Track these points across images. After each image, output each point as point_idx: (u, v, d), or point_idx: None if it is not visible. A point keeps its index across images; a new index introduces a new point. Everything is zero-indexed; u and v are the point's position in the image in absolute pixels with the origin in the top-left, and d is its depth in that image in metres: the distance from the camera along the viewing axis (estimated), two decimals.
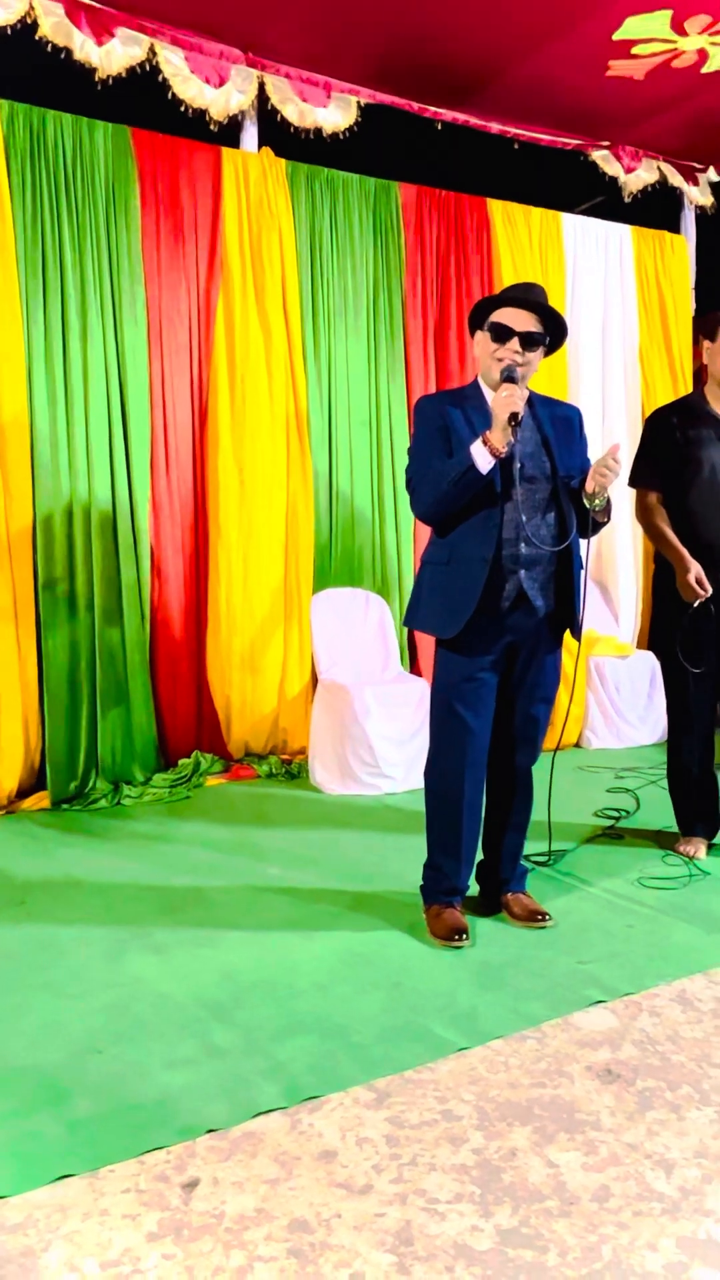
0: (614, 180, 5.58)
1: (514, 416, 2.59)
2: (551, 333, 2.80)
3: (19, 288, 4.09)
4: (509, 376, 2.68)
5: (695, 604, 3.32)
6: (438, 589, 2.82)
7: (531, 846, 3.44)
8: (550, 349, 2.85)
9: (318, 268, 4.80)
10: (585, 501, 2.76)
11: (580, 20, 4.29)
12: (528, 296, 2.77)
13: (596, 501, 2.76)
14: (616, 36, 4.42)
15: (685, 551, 3.34)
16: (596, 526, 2.85)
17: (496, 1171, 1.84)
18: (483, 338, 2.81)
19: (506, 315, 2.75)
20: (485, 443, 2.63)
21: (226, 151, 4.55)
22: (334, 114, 4.71)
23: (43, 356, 4.16)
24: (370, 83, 4.76)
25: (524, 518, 2.74)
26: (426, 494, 2.76)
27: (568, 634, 2.94)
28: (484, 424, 2.72)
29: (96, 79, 4.16)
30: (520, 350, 2.73)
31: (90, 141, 4.23)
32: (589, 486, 2.72)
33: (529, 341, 2.74)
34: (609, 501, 2.81)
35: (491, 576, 2.72)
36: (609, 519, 2.86)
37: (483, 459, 2.63)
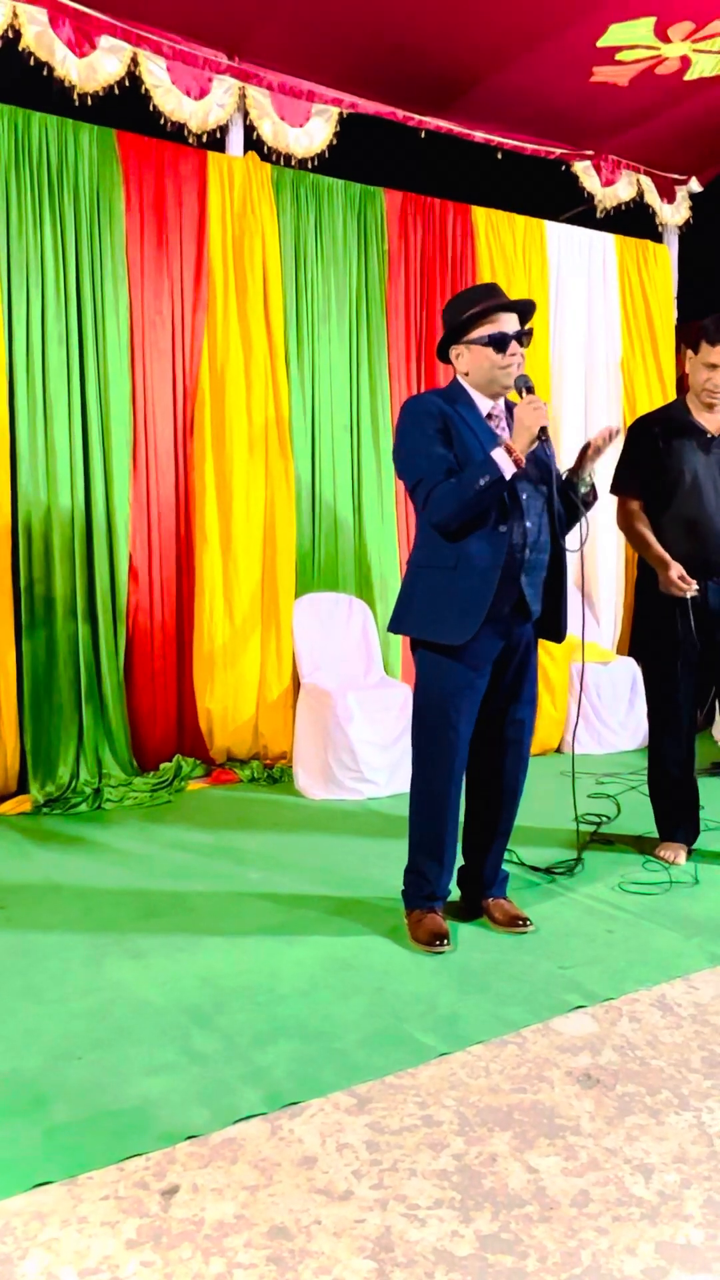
0: (594, 193, 5.62)
1: (544, 429, 2.60)
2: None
3: (1, 290, 4.07)
4: (529, 387, 2.68)
5: (688, 596, 3.33)
6: (441, 595, 2.75)
7: (536, 855, 3.46)
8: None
9: (302, 273, 4.80)
10: (573, 478, 2.79)
11: (564, 27, 4.32)
12: (505, 299, 2.77)
13: (585, 482, 2.79)
14: (600, 43, 4.46)
15: (665, 553, 3.36)
16: (583, 509, 2.85)
17: (477, 1177, 1.84)
18: (479, 350, 2.73)
19: (501, 322, 2.73)
20: (510, 452, 2.61)
21: (212, 156, 4.55)
22: (308, 135, 4.71)
23: (24, 359, 4.14)
24: (355, 88, 4.77)
25: (529, 524, 2.75)
26: (448, 503, 2.66)
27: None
28: (478, 424, 2.74)
29: (76, 94, 4.16)
30: (520, 351, 2.74)
31: (75, 144, 4.22)
32: (595, 444, 2.73)
33: (522, 341, 2.75)
34: (593, 484, 2.84)
35: (499, 583, 2.72)
36: (596, 498, 2.87)
37: (508, 468, 2.61)
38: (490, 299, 2.77)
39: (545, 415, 2.60)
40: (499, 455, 2.61)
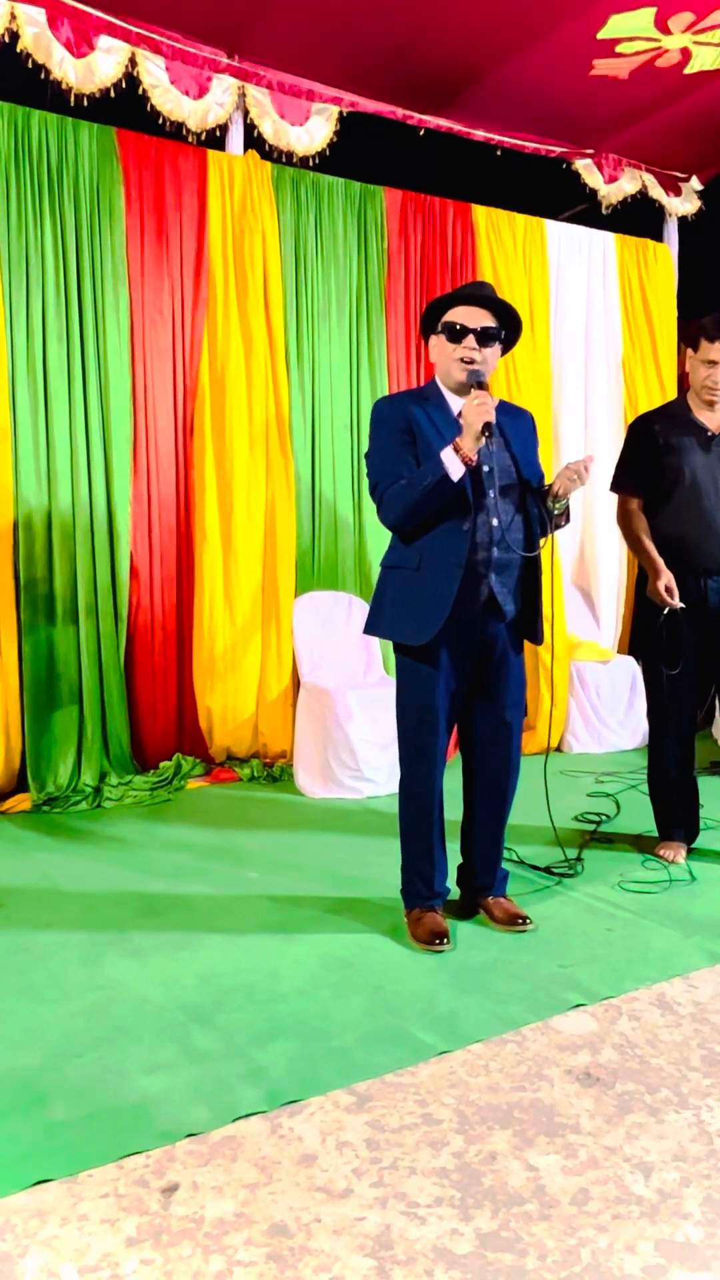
0: (596, 189, 5.62)
1: (488, 425, 2.57)
2: (506, 328, 2.79)
3: (1, 288, 4.07)
4: (479, 383, 2.66)
5: (666, 610, 3.34)
6: (406, 595, 2.75)
7: (535, 854, 3.46)
8: (506, 345, 2.84)
9: (302, 272, 4.80)
10: (549, 503, 2.78)
11: (565, 19, 4.30)
12: (478, 293, 2.75)
13: (560, 504, 2.78)
14: (601, 35, 4.44)
15: (659, 560, 3.37)
16: (554, 528, 2.86)
17: (476, 1175, 1.84)
18: (438, 340, 2.77)
19: (459, 314, 2.73)
20: (457, 450, 2.59)
21: (212, 154, 4.55)
22: (308, 134, 4.70)
23: (24, 358, 4.14)
24: (354, 88, 4.76)
25: (495, 522, 2.72)
26: (397, 504, 2.68)
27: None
28: (446, 424, 2.72)
29: (72, 95, 4.15)
30: (476, 347, 2.71)
31: (75, 142, 4.22)
32: (557, 488, 2.73)
33: (485, 337, 2.72)
34: (568, 506, 2.85)
35: (464, 582, 2.70)
36: (568, 521, 2.89)
37: (455, 467, 2.59)
38: (468, 289, 2.77)
39: (490, 412, 2.57)
40: (447, 454, 2.60)
